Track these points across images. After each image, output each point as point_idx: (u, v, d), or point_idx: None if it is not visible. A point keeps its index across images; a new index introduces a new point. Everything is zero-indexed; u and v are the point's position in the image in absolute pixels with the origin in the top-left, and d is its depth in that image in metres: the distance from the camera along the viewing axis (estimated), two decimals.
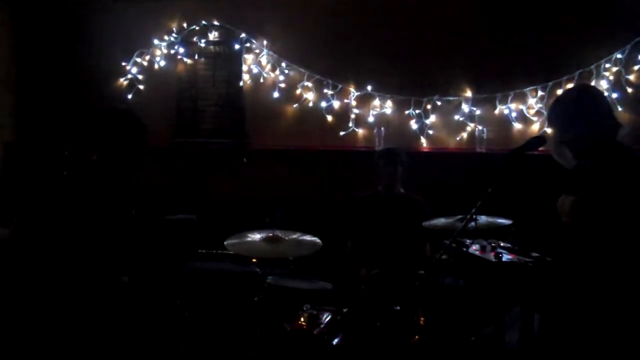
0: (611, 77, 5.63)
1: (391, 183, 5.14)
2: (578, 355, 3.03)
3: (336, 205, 5.74)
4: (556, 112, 3.29)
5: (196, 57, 6.60)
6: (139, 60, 6.66)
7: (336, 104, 6.24)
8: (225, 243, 4.16)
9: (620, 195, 2.95)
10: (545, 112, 5.76)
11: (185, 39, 6.57)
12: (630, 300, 2.92)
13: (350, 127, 6.23)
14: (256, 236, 4.21)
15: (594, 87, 3.94)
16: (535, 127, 5.85)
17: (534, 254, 3.53)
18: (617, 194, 2.95)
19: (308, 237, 4.28)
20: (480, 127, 5.95)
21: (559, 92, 5.72)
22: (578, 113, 3.17)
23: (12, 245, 4.01)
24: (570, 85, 5.68)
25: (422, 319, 4.04)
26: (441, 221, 4.42)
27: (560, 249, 3.20)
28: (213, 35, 6.54)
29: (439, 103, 6.02)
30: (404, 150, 5.29)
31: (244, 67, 6.48)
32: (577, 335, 3.02)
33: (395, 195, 5.16)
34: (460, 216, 4.31)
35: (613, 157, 3.06)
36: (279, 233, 4.20)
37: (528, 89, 5.82)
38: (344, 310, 4.20)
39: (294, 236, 4.25)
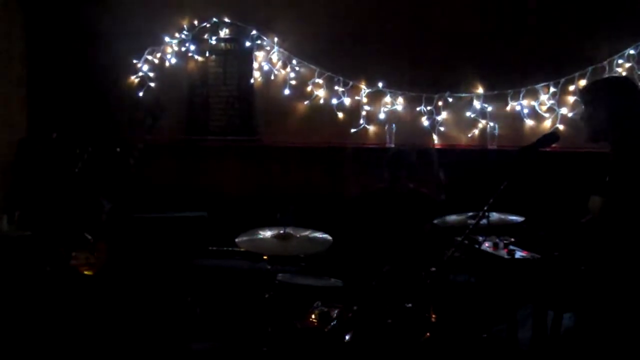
0: (624, 73, 5.58)
1: (394, 184, 5.15)
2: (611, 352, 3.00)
3: (346, 201, 5.73)
4: (584, 91, 3.30)
5: (207, 55, 6.59)
6: (150, 57, 6.67)
7: (347, 101, 6.22)
8: (236, 240, 4.16)
9: None
10: (557, 109, 5.74)
11: (196, 37, 6.57)
12: None
13: (361, 124, 6.22)
14: (267, 233, 4.21)
15: (625, 80, 3.86)
16: (547, 124, 5.82)
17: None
18: None
19: (319, 235, 4.27)
20: (491, 124, 5.92)
21: (571, 88, 5.70)
22: (597, 96, 3.16)
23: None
24: (582, 82, 5.64)
25: (433, 316, 4.02)
26: (452, 218, 4.40)
27: (585, 247, 3.18)
28: (224, 33, 6.53)
29: (450, 100, 6.00)
30: (415, 149, 5.27)
31: (255, 65, 6.47)
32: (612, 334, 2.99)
33: (403, 190, 5.17)
34: (471, 213, 4.29)
35: (635, 150, 3.03)
36: (290, 230, 4.20)
37: (540, 85, 5.79)
38: (355, 307, 4.19)
39: (305, 233, 4.24)
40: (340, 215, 5.59)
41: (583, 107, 3.27)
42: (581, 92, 3.36)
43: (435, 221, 4.57)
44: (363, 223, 5.24)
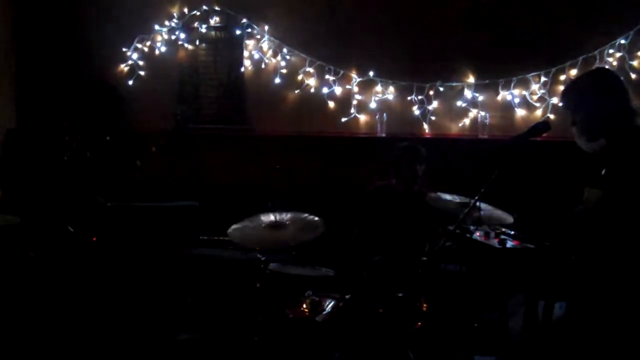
0: (615, 63, 5.61)
1: (414, 182, 5.02)
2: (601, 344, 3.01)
3: (344, 193, 5.71)
4: (570, 93, 3.28)
5: (197, 43, 6.55)
6: (139, 46, 6.62)
7: (338, 90, 6.21)
8: (228, 232, 4.14)
9: None
10: (548, 98, 5.75)
11: (186, 25, 6.53)
12: None
13: (352, 114, 6.20)
14: (263, 218, 4.19)
15: (609, 71, 3.86)
16: (538, 113, 5.83)
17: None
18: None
19: (312, 218, 4.25)
20: (482, 113, 5.93)
21: (562, 77, 5.71)
22: (588, 94, 3.16)
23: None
24: (573, 71, 5.66)
25: (424, 305, 4.03)
26: (446, 197, 4.32)
27: (577, 237, 3.18)
28: (214, 21, 6.49)
29: (441, 89, 6.00)
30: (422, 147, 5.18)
31: (246, 53, 6.44)
32: (603, 325, 3.00)
33: (410, 190, 5.07)
34: (458, 199, 4.23)
35: (630, 141, 3.03)
36: (283, 216, 4.18)
37: (531, 74, 5.80)
38: (347, 296, 4.20)
39: (300, 217, 4.22)
40: (332, 204, 5.58)
41: (571, 113, 3.25)
42: (567, 98, 3.31)
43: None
44: (365, 217, 5.15)
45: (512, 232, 3.77)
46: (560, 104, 3.41)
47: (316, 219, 4.22)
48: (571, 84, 3.36)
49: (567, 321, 3.17)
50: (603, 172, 3.04)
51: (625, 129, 3.07)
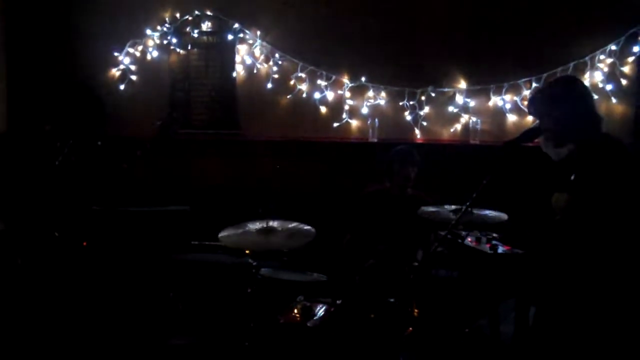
0: (605, 69, 5.63)
1: (406, 185, 5.05)
2: (572, 347, 3.04)
3: (336, 198, 5.72)
4: (537, 101, 3.32)
5: (189, 48, 6.55)
6: (131, 50, 6.61)
7: (330, 95, 6.21)
8: (219, 236, 4.13)
9: (612, 188, 2.95)
10: None
11: (178, 29, 6.52)
12: (626, 293, 2.93)
13: (343, 119, 6.21)
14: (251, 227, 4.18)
15: (574, 78, 3.91)
16: (529, 119, 5.83)
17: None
18: (609, 188, 2.95)
19: (303, 227, 4.24)
20: (474, 119, 5.94)
21: None
22: (557, 100, 3.19)
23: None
24: None
25: (416, 310, 4.03)
26: (430, 209, 4.39)
27: (552, 242, 3.20)
28: (206, 26, 6.49)
29: (433, 94, 6.00)
30: (415, 150, 5.20)
31: (237, 58, 6.44)
32: (570, 329, 3.03)
33: (404, 194, 5.09)
34: (453, 207, 4.28)
35: (599, 146, 3.07)
36: (273, 224, 4.17)
37: (522, 80, 5.81)
38: (338, 302, 4.19)
39: (289, 226, 4.21)
40: (324, 209, 5.58)
41: (540, 120, 3.28)
42: (536, 106, 3.34)
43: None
44: (358, 221, 5.16)
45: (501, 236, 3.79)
46: (529, 111, 3.45)
47: (307, 227, 4.22)
48: (539, 92, 3.40)
49: (552, 325, 3.18)
50: (572, 177, 3.08)
51: (594, 134, 3.12)
